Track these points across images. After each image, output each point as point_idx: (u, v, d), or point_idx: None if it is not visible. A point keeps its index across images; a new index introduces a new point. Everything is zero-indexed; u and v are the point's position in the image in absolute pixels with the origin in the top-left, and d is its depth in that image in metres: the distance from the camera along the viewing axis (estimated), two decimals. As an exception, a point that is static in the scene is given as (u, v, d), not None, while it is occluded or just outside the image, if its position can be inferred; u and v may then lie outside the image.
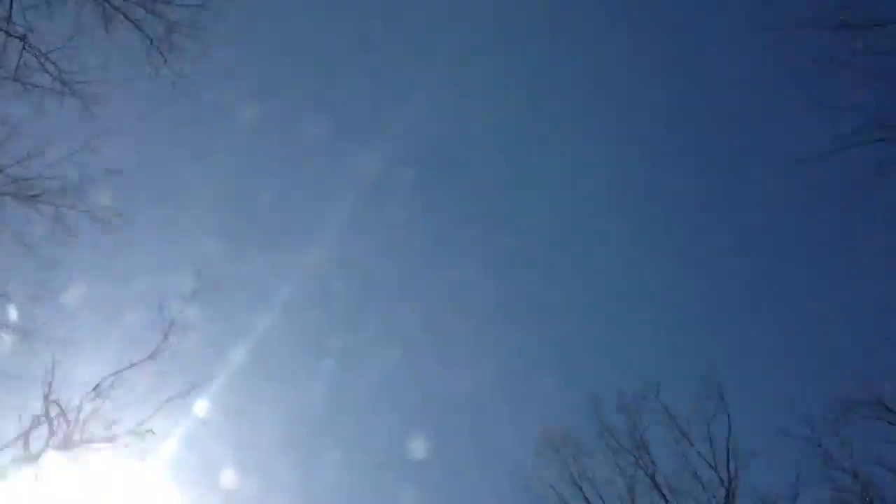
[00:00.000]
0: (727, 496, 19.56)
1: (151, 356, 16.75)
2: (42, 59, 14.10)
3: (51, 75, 14.15)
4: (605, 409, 21.55)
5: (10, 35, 13.78)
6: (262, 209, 16.72)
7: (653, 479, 20.18)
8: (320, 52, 18.20)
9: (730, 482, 19.69)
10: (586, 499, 20.20)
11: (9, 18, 13.67)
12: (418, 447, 18.08)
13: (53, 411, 16.34)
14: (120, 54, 14.05)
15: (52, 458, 16.29)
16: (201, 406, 17.33)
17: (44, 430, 16.36)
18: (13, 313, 15.51)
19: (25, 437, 16.09)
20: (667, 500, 19.82)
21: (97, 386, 16.50)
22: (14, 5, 13.53)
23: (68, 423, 16.44)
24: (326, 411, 18.94)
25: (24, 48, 14.00)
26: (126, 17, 14.05)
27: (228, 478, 18.02)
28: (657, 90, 19.66)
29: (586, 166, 16.32)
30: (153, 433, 16.52)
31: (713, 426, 20.50)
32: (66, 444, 16.34)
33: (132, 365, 16.63)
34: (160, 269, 17.66)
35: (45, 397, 16.37)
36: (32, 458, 16.06)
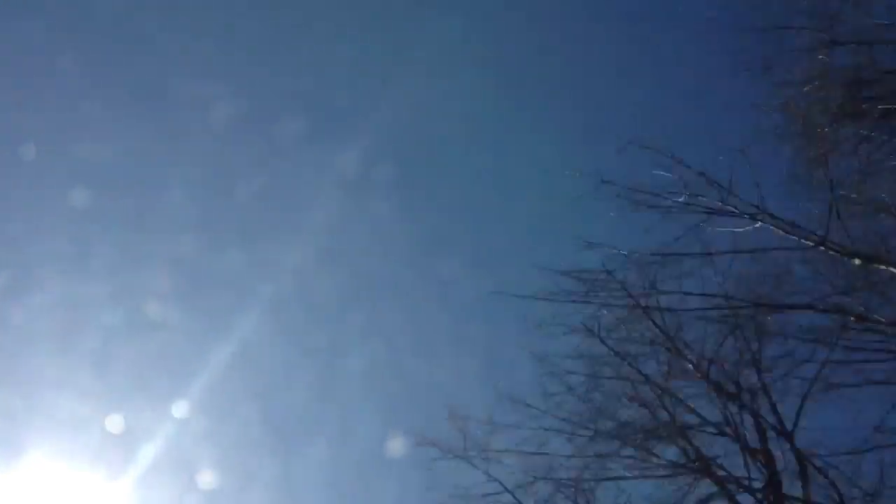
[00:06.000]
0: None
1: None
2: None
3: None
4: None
5: None
6: (242, 205, 16.44)
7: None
8: (300, 46, 17.95)
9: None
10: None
11: None
12: (403, 444, 17.87)
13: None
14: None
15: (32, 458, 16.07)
16: (180, 406, 17.04)
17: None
18: None
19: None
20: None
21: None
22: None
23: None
24: (309, 409, 18.67)
25: None
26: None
27: (209, 478, 17.77)
28: (641, 88, 19.49)
29: (570, 161, 16.09)
30: (132, 434, 16.29)
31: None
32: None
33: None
34: (138, 265, 17.35)
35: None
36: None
